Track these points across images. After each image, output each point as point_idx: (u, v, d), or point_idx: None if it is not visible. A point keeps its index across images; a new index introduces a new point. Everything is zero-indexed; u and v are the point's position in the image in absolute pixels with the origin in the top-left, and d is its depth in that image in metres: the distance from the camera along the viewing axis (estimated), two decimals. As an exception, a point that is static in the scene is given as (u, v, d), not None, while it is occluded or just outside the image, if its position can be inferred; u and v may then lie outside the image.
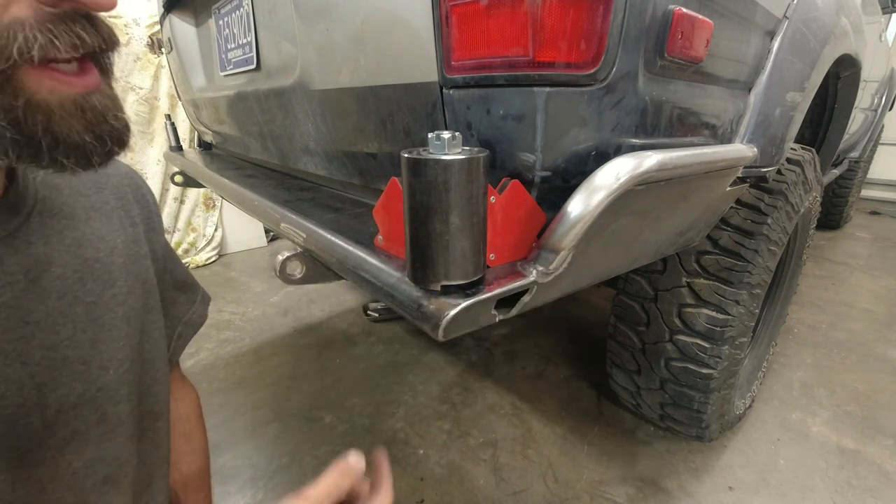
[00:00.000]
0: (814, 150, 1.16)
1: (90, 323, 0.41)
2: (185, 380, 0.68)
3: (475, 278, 0.43)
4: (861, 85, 1.47)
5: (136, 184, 0.54)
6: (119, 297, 0.44)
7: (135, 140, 2.47)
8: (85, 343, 0.40)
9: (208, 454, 0.69)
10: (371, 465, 0.43)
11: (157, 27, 2.30)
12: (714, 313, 0.96)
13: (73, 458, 0.39)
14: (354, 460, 0.40)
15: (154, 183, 2.54)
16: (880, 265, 2.60)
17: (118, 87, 2.35)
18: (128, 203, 0.51)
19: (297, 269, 0.68)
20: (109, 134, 0.31)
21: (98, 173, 0.48)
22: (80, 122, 0.30)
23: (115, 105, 0.32)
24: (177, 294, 0.61)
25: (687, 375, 1.03)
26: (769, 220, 0.93)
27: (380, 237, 0.56)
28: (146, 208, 0.54)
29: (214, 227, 2.85)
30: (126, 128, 0.33)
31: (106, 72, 0.32)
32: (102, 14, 0.29)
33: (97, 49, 0.29)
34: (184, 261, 2.70)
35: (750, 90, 0.75)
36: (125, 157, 2.44)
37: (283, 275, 0.67)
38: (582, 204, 0.46)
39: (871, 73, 1.90)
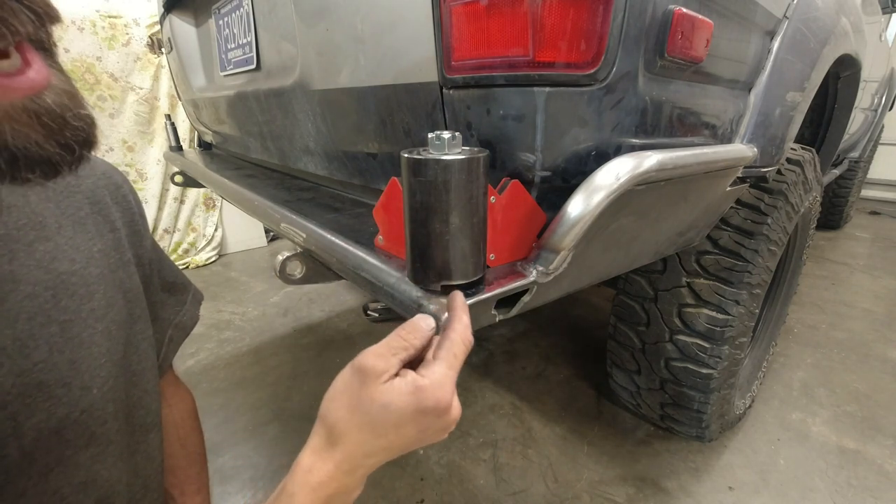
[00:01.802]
0: (814, 150, 1.16)
1: (67, 342, 0.38)
2: (180, 383, 0.67)
3: (475, 278, 0.43)
4: (861, 85, 1.47)
5: (116, 183, 0.50)
6: (98, 311, 0.42)
7: (135, 140, 2.47)
8: (63, 364, 0.37)
9: (205, 457, 0.69)
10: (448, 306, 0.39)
11: (157, 27, 2.30)
12: (714, 313, 0.96)
13: (60, 484, 0.37)
14: (422, 321, 0.37)
15: (154, 183, 2.54)
16: (880, 265, 2.60)
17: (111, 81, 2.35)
18: (105, 207, 0.47)
19: (297, 269, 0.68)
20: (75, 138, 0.27)
21: (69, 176, 0.45)
22: (37, 133, 0.25)
23: (74, 100, 0.27)
24: (166, 296, 0.59)
25: (687, 375, 1.03)
26: (769, 220, 0.93)
27: (380, 237, 0.56)
28: (128, 210, 0.50)
29: (214, 227, 2.84)
30: (91, 125, 0.28)
31: (51, 53, 0.26)
32: None
33: (31, 32, 0.23)
34: (184, 261, 2.71)
35: (750, 90, 0.75)
36: (127, 158, 2.44)
37: (283, 275, 0.67)
38: (582, 204, 0.46)
39: (871, 73, 1.90)
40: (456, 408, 0.35)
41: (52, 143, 0.26)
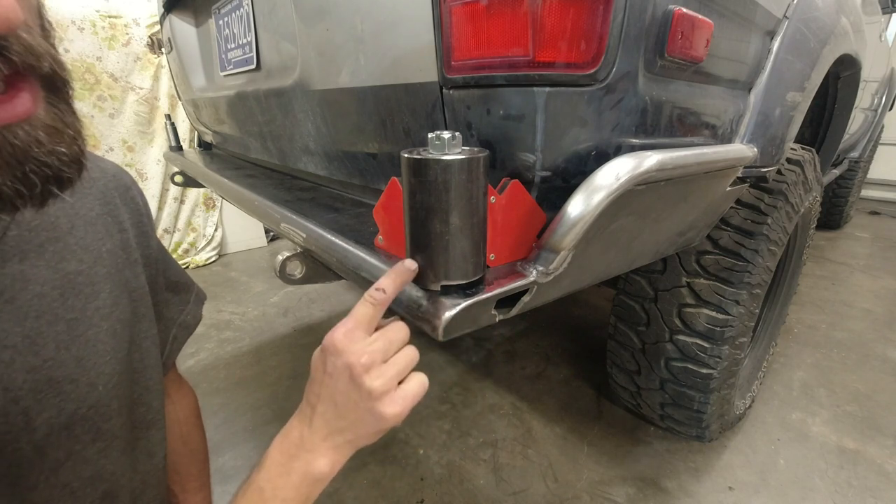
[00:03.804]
0: (814, 150, 1.16)
1: (73, 340, 0.39)
2: (183, 381, 0.67)
3: (475, 278, 0.43)
4: (861, 85, 1.47)
5: (125, 184, 0.52)
6: (104, 310, 0.43)
7: (135, 140, 2.47)
8: (70, 362, 0.38)
9: (207, 455, 0.69)
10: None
11: (157, 27, 2.30)
12: (714, 313, 0.96)
13: (69, 479, 0.38)
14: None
15: (154, 183, 2.54)
16: (880, 265, 2.60)
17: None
18: (115, 208, 0.48)
19: (297, 269, 0.68)
20: (37, 173, 0.25)
21: (82, 177, 0.46)
22: None
23: (57, 135, 0.26)
24: (170, 296, 0.59)
25: (687, 375, 1.03)
26: (769, 220, 0.93)
27: (380, 237, 0.56)
28: (136, 211, 0.52)
29: (214, 227, 2.84)
30: (68, 163, 0.27)
31: (55, 90, 0.26)
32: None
33: (18, 70, 0.23)
34: (184, 261, 2.71)
35: (750, 90, 0.75)
36: (127, 158, 2.45)
37: (283, 275, 0.67)
38: (582, 204, 0.46)
39: (871, 73, 1.90)
40: (353, 353, 0.38)
41: (7, 176, 0.24)
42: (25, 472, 0.35)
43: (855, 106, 1.53)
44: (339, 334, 0.39)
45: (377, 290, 0.40)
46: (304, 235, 0.66)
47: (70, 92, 0.28)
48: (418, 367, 0.42)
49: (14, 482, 0.34)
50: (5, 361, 0.34)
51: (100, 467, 0.41)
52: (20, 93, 0.24)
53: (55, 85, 0.26)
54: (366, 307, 0.40)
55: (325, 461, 0.40)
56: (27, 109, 0.24)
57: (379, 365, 0.39)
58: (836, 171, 2.45)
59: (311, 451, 0.40)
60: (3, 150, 0.24)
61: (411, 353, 0.42)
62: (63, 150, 0.26)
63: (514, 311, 0.48)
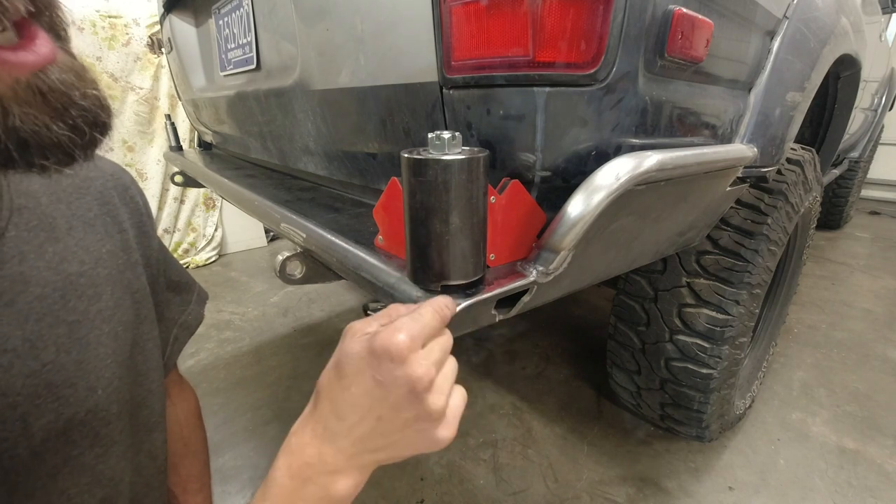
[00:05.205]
0: (814, 150, 1.16)
1: (74, 343, 0.38)
2: (184, 382, 0.67)
3: (475, 278, 0.43)
4: (861, 85, 1.47)
5: (124, 184, 0.51)
6: (105, 313, 0.42)
7: (135, 140, 2.47)
8: (70, 365, 0.37)
9: (208, 456, 0.69)
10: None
11: (157, 27, 2.30)
12: (714, 313, 0.96)
13: (67, 485, 0.37)
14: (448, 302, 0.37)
15: (154, 183, 2.54)
16: (880, 265, 2.60)
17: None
18: (114, 208, 0.48)
19: (297, 269, 0.68)
20: (83, 118, 0.25)
21: (79, 177, 0.45)
22: (44, 112, 0.23)
23: (82, 78, 0.26)
24: (171, 296, 0.59)
25: (687, 375, 1.03)
26: (769, 220, 0.93)
27: (380, 237, 0.56)
28: (136, 211, 0.51)
29: (214, 227, 2.84)
30: (101, 105, 0.27)
31: (59, 35, 0.25)
32: None
33: (27, 12, 0.22)
34: (184, 261, 2.71)
35: (750, 90, 0.75)
36: (127, 158, 2.44)
37: (283, 275, 0.67)
38: (582, 204, 0.46)
39: (871, 73, 1.90)
40: (421, 365, 0.32)
41: (59, 124, 0.24)
42: (23, 480, 0.34)
43: (855, 106, 1.53)
44: (402, 338, 0.31)
45: (447, 306, 0.36)
46: (304, 235, 0.66)
47: (70, 40, 0.27)
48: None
49: (12, 490, 0.33)
50: (4, 366, 0.33)
51: (98, 473, 0.40)
52: (37, 35, 0.23)
53: (58, 33, 0.25)
54: (434, 317, 0.34)
55: (348, 482, 0.34)
56: (51, 50, 0.23)
57: (437, 380, 0.33)
58: (836, 171, 2.45)
59: (332, 473, 0.33)
60: (48, 95, 0.23)
61: (454, 365, 0.36)
62: (94, 92, 0.26)
63: (514, 311, 0.48)
